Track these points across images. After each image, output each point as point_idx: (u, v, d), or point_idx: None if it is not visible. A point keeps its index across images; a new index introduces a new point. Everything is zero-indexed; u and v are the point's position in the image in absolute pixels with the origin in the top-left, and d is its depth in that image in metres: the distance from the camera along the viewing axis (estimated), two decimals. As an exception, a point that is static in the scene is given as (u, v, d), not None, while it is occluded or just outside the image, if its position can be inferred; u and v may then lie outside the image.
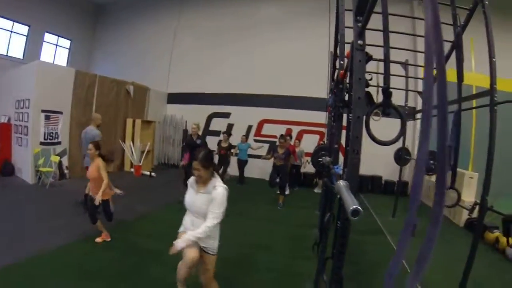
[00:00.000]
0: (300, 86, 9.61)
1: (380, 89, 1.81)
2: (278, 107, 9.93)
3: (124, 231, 3.92)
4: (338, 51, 2.95)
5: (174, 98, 11.17)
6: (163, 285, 3.08)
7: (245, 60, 10.37)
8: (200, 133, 6.41)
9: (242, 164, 8.59)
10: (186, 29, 11.35)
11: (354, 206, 1.20)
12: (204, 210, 2.23)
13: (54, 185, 6.37)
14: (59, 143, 7.09)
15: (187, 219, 2.42)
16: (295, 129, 9.74)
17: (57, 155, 6.78)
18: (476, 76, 7.51)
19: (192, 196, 2.35)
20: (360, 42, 1.58)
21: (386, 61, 1.49)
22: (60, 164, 6.76)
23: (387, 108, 1.50)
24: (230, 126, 10.35)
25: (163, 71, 11.34)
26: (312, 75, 9.30)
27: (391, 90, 1.45)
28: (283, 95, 9.87)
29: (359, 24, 1.59)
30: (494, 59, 2.83)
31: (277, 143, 6.53)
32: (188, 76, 10.96)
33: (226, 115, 10.47)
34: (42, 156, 6.51)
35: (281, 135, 6.60)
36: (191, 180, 2.41)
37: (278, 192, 6.56)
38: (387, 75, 1.47)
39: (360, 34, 1.58)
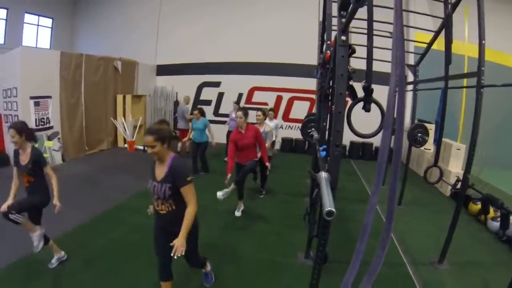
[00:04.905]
0: (290, 53, 9.47)
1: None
2: (268, 74, 9.89)
3: (123, 210, 4.02)
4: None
5: (164, 70, 10.95)
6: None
7: (235, 28, 10.10)
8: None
9: (200, 149, 6.07)
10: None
11: (329, 208, 1.29)
12: None
13: (51, 170, 6.42)
14: (51, 127, 7.04)
15: None
16: (286, 96, 9.82)
17: (49, 139, 6.77)
18: (468, 46, 7.44)
19: None
20: (343, 37, 1.58)
21: (369, 59, 1.52)
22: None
23: (367, 104, 1.54)
24: (220, 95, 10.35)
25: (151, 43, 10.99)
26: (302, 41, 9.07)
27: (372, 87, 1.49)
28: (274, 62, 9.77)
29: (343, 20, 1.59)
30: (483, 41, 2.82)
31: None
32: (177, 47, 10.67)
33: (217, 84, 10.41)
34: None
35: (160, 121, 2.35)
36: None
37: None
38: (369, 72, 1.50)
39: (343, 30, 1.58)
